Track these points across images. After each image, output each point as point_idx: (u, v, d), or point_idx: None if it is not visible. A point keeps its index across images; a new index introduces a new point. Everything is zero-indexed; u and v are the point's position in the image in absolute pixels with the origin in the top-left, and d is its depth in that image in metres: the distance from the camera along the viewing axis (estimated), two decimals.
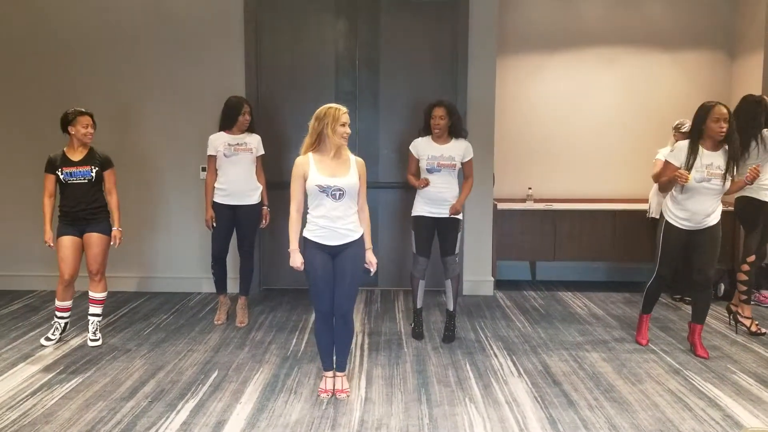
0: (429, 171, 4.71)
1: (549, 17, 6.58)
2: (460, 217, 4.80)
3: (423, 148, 4.75)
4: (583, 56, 6.62)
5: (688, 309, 5.61)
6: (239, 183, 4.99)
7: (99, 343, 4.68)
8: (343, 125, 3.58)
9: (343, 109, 3.62)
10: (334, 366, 3.83)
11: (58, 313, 4.69)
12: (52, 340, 4.66)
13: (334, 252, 3.65)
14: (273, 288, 6.25)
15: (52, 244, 4.57)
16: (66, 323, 4.75)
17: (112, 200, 4.68)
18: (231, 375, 4.08)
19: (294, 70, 6.04)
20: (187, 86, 5.96)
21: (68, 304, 4.69)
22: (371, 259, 3.76)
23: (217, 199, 5.02)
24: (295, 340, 4.77)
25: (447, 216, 4.70)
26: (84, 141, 4.55)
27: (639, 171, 5.99)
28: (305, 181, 3.62)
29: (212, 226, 5.08)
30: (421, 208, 4.76)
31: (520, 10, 6.56)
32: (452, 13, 5.93)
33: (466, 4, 5.87)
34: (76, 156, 4.57)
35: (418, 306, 4.96)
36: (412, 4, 5.98)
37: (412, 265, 4.92)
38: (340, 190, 3.57)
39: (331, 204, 3.59)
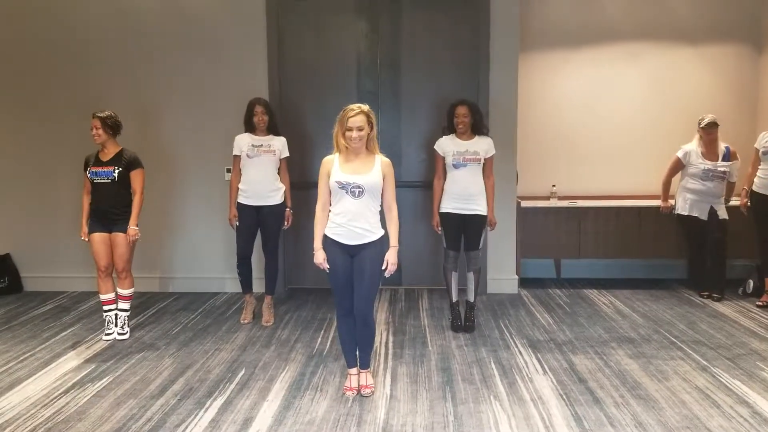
0: (455, 166, 4.84)
1: (571, 13, 6.54)
2: (485, 213, 4.91)
3: (447, 145, 4.89)
4: (606, 52, 6.57)
5: (715, 306, 5.59)
6: (260, 184, 5.04)
7: (126, 336, 4.85)
8: (350, 130, 3.54)
9: (355, 110, 3.55)
10: (358, 363, 3.87)
11: (105, 307, 4.91)
12: (110, 333, 4.86)
13: (353, 252, 3.66)
14: (298, 287, 6.30)
15: (86, 239, 4.82)
16: (116, 314, 4.92)
17: (135, 199, 4.83)
18: (258, 373, 4.13)
19: (316, 71, 6.08)
20: (209, 87, 6.02)
21: (112, 296, 4.90)
22: (390, 258, 3.68)
23: (240, 199, 5.07)
24: (320, 339, 4.81)
25: (473, 213, 4.86)
26: (96, 141, 4.76)
27: (664, 167, 5.93)
28: (329, 179, 3.65)
29: (235, 225, 5.15)
30: (447, 204, 4.90)
31: (542, 6, 6.53)
32: (474, 10, 5.93)
33: (488, 2, 5.86)
34: (106, 156, 4.78)
35: (454, 300, 5.07)
36: (434, 2, 5.98)
37: (443, 259, 5.06)
38: (359, 187, 3.58)
39: (351, 201, 3.60)
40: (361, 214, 3.61)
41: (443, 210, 4.92)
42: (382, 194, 3.70)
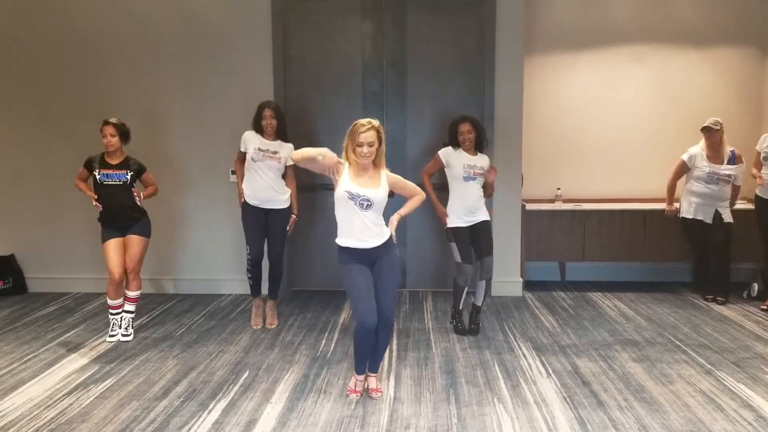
0: (465, 179, 4.88)
1: (577, 15, 6.53)
2: (488, 218, 4.99)
3: (455, 157, 4.92)
4: (611, 54, 6.56)
5: (719, 309, 5.57)
6: (265, 191, 5.00)
7: (130, 338, 4.87)
8: (361, 145, 3.53)
9: (366, 125, 3.53)
10: (367, 368, 3.86)
11: (112, 311, 4.91)
12: (114, 335, 4.89)
13: (371, 258, 3.65)
14: (302, 290, 6.29)
15: (96, 204, 4.81)
16: (121, 316, 4.94)
17: (151, 188, 5.04)
18: (261, 375, 4.13)
19: (321, 72, 6.08)
20: (215, 89, 6.03)
21: (120, 301, 4.91)
22: (393, 218, 3.72)
23: (248, 200, 5.07)
24: (324, 341, 4.81)
25: (479, 221, 4.93)
26: (107, 149, 4.78)
27: (669, 170, 5.92)
28: (331, 175, 3.60)
29: (242, 202, 5.16)
30: (457, 219, 4.92)
31: (547, 8, 6.53)
32: (479, 12, 5.93)
33: (493, 4, 5.85)
34: (114, 161, 4.84)
35: (460, 308, 5.08)
36: (439, 4, 5.98)
37: (457, 275, 5.00)
38: (368, 200, 3.58)
39: (360, 212, 3.59)
40: (370, 226, 3.61)
41: (454, 225, 4.92)
42: (401, 192, 3.79)
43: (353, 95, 6.05)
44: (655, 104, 6.59)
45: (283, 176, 5.12)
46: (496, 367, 4.26)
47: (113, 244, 4.81)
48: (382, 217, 3.69)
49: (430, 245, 6.19)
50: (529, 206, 6.26)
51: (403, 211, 3.77)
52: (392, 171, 3.76)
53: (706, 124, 5.63)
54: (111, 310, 4.90)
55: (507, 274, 6.12)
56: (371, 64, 6.07)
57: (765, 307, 5.53)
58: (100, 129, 4.77)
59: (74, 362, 4.39)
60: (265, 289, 5.41)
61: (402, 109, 6.11)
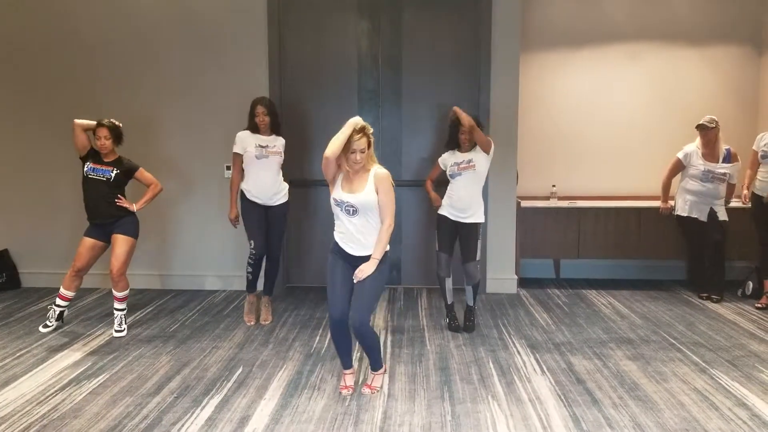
0: (451, 176, 4.91)
1: (572, 13, 6.52)
2: (480, 221, 4.91)
3: (450, 160, 4.96)
4: (607, 52, 6.56)
5: (714, 307, 5.58)
6: (267, 187, 4.98)
7: (123, 334, 4.85)
8: (354, 152, 3.50)
9: (358, 132, 3.50)
10: (354, 365, 3.85)
11: (59, 300, 4.94)
12: (49, 326, 4.92)
13: (354, 263, 3.64)
14: (297, 286, 6.28)
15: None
16: (62, 312, 5.00)
17: (151, 188, 4.95)
18: (255, 372, 4.12)
19: (317, 69, 6.06)
20: (210, 86, 6.00)
21: (70, 294, 4.93)
22: (365, 268, 3.55)
23: (249, 196, 5.02)
24: (318, 338, 4.80)
25: (467, 221, 4.88)
26: (101, 151, 4.76)
27: (665, 168, 5.92)
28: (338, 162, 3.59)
29: (236, 225, 5.12)
30: (444, 209, 4.95)
31: (543, 6, 6.52)
32: (475, 10, 5.91)
33: (489, 1, 5.83)
34: (106, 158, 4.82)
35: (449, 302, 5.08)
36: (435, 2, 5.97)
37: (436, 265, 5.02)
38: (352, 206, 3.56)
39: (347, 218, 3.60)
40: (360, 232, 3.60)
41: (441, 212, 4.94)
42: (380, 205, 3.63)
43: (349, 92, 6.03)
44: (650, 102, 6.59)
45: None
46: (491, 364, 4.26)
47: (89, 243, 4.83)
48: (372, 225, 3.60)
49: (425, 242, 6.17)
50: (524, 203, 6.25)
51: (376, 253, 3.59)
52: (389, 168, 3.72)
53: (701, 122, 5.63)
54: (57, 300, 4.92)
55: (502, 271, 6.12)
56: (367, 62, 6.05)
57: (759, 305, 5.54)
58: (93, 131, 4.74)
59: (67, 358, 4.37)
60: (260, 285, 5.39)
61: (397, 106, 6.09)
